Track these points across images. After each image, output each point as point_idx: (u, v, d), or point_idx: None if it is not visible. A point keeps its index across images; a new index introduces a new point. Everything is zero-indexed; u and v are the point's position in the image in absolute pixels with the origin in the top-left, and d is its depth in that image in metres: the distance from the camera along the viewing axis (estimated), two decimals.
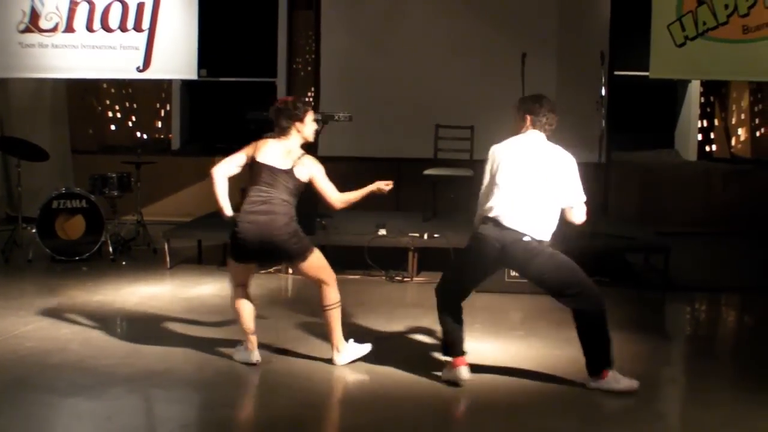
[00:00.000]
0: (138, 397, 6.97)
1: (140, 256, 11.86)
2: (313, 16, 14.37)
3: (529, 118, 7.18)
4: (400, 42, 13.80)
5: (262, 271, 10.97)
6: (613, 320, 9.00)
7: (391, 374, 7.27)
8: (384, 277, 10.69)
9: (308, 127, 7.54)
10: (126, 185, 11.96)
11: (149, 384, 7.08)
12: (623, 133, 14.17)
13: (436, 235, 10.76)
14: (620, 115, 13.68)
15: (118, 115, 15.87)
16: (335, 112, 11.63)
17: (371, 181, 7.65)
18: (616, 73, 13.38)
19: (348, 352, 7.55)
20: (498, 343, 8.15)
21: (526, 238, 6.88)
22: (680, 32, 12.28)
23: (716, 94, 15.18)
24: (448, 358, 7.18)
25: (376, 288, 10.34)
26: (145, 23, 13.35)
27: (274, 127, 7.52)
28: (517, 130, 7.24)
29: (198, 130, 15.91)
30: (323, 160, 13.07)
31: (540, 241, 6.94)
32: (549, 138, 7.24)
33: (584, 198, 7.11)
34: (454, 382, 7.03)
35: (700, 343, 8.95)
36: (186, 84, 15.33)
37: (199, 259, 11.53)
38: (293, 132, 7.46)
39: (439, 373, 7.19)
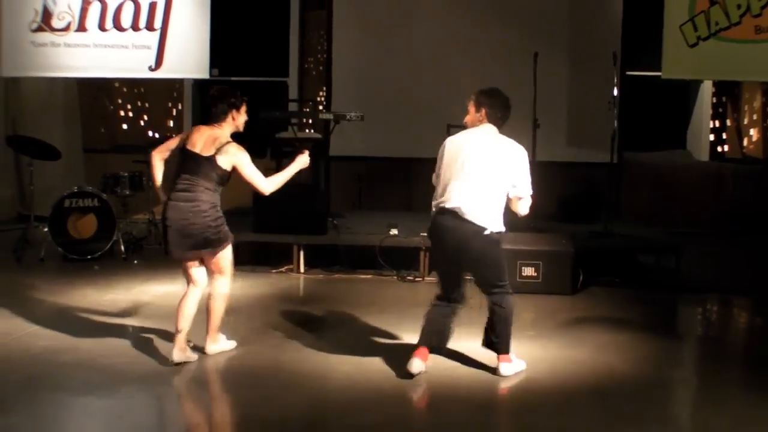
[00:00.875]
0: (150, 395, 6.98)
1: (152, 255, 11.86)
2: (325, 16, 14.37)
3: (485, 111, 7.32)
4: (411, 42, 13.80)
5: (274, 271, 10.99)
6: (624, 321, 9.09)
7: (399, 374, 7.25)
8: (396, 277, 10.69)
9: (242, 118, 7.64)
10: (138, 184, 11.98)
11: (161, 383, 7.10)
12: (635, 133, 14.14)
13: None
14: (632, 115, 13.65)
15: (130, 114, 15.90)
16: (347, 112, 11.63)
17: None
18: (628, 73, 13.37)
19: (222, 343, 7.76)
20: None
21: (486, 232, 7.05)
22: (692, 32, 12.24)
23: (728, 94, 15.16)
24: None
25: (388, 288, 10.35)
26: (157, 22, 13.37)
27: (210, 114, 7.61)
28: (471, 122, 7.39)
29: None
30: (335, 160, 13.17)
31: (498, 232, 7.13)
32: (501, 131, 7.38)
33: (531, 191, 7.26)
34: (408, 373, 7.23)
35: (711, 344, 8.93)
36: (198, 83, 15.33)
37: None
38: (228, 120, 7.56)
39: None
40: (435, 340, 7.34)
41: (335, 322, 8.82)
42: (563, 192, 13.02)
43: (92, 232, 11.60)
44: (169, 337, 7.96)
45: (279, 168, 12.11)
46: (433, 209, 7.25)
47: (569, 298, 9.91)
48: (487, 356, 7.67)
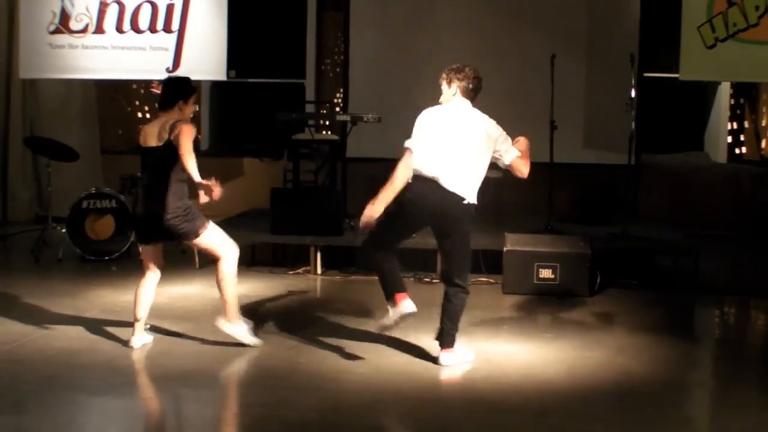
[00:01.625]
0: (167, 396, 7.00)
1: (169, 256, 11.81)
2: (342, 18, 14.36)
3: (457, 86, 7.61)
4: (429, 43, 13.76)
5: (290, 272, 10.99)
6: (641, 323, 9.06)
7: (418, 375, 7.27)
8: (413, 279, 10.67)
9: (189, 108, 7.73)
10: None
11: (179, 384, 7.11)
12: (653, 134, 14.11)
13: None
14: (650, 116, 13.62)
15: (148, 115, 15.92)
16: (364, 114, 11.63)
17: None
18: (645, 74, 13.33)
19: (237, 328, 7.78)
20: (527, 345, 8.14)
21: (465, 201, 7.29)
22: (710, 34, 12.20)
23: (746, 95, 15.11)
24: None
25: None
26: (175, 24, 13.38)
27: (159, 102, 7.77)
28: (446, 101, 7.68)
29: (227, 130, 15.93)
30: (352, 161, 13.14)
31: (472, 204, 7.36)
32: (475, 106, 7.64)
33: (517, 152, 7.46)
34: (396, 322, 7.43)
35: (729, 347, 8.90)
36: (215, 85, 15.36)
37: None
38: (175, 109, 7.64)
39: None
40: (402, 284, 7.55)
41: (352, 323, 8.81)
42: (580, 193, 13.00)
43: (110, 234, 11.63)
44: (188, 339, 7.99)
45: (296, 169, 12.24)
46: (413, 174, 7.42)
47: (586, 299, 9.89)
48: (502, 357, 7.68)
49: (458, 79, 7.60)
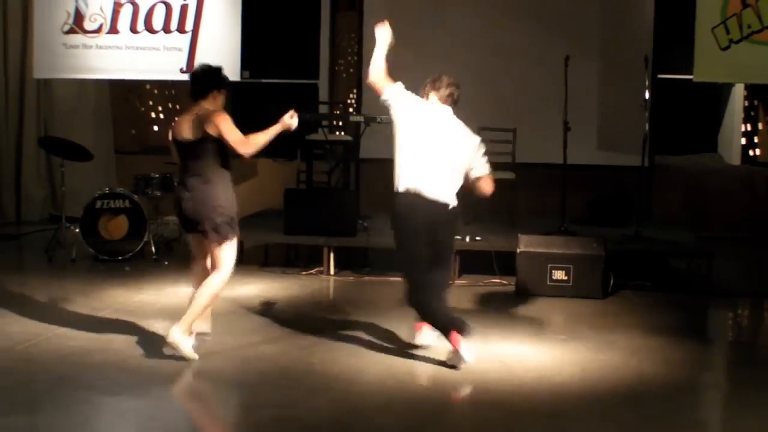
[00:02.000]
0: (180, 396, 7.01)
1: (182, 256, 11.88)
2: (356, 18, 14.36)
3: (434, 96, 7.69)
4: (442, 44, 13.74)
5: (303, 273, 10.99)
6: (655, 325, 9.04)
7: (430, 377, 7.27)
8: None
9: (222, 98, 7.69)
10: (168, 185, 11.98)
11: (192, 384, 7.11)
12: (666, 136, 14.08)
13: (477, 238, 10.73)
14: (663, 118, 13.60)
15: (161, 116, 15.93)
16: (377, 114, 11.62)
17: None
18: (659, 76, 13.31)
19: (187, 341, 7.45)
20: (540, 347, 8.13)
21: (450, 207, 7.38)
22: (725, 35, 12.17)
23: (760, 97, 15.07)
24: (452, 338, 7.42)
25: None
26: (189, 25, 13.39)
27: (192, 92, 7.70)
28: None
29: (240, 130, 15.85)
30: (365, 162, 13.12)
31: (456, 207, 7.45)
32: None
33: (488, 169, 7.58)
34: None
35: (743, 349, 8.88)
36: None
37: (240, 260, 11.45)
38: (209, 99, 7.59)
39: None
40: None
41: (365, 324, 8.80)
42: (594, 195, 12.98)
43: (123, 233, 11.64)
44: (202, 339, 7.98)
45: (309, 170, 12.25)
46: (397, 185, 7.42)
47: (600, 301, 9.87)
48: (515, 359, 7.67)
49: (435, 89, 7.66)
